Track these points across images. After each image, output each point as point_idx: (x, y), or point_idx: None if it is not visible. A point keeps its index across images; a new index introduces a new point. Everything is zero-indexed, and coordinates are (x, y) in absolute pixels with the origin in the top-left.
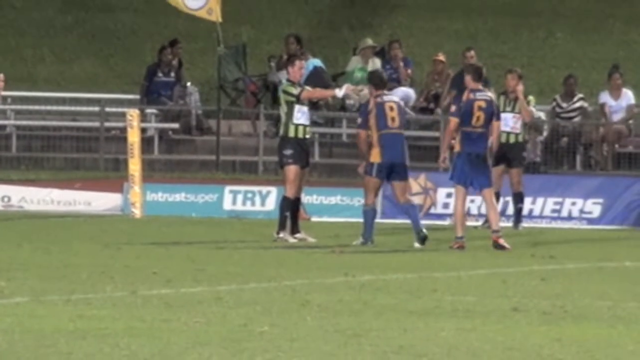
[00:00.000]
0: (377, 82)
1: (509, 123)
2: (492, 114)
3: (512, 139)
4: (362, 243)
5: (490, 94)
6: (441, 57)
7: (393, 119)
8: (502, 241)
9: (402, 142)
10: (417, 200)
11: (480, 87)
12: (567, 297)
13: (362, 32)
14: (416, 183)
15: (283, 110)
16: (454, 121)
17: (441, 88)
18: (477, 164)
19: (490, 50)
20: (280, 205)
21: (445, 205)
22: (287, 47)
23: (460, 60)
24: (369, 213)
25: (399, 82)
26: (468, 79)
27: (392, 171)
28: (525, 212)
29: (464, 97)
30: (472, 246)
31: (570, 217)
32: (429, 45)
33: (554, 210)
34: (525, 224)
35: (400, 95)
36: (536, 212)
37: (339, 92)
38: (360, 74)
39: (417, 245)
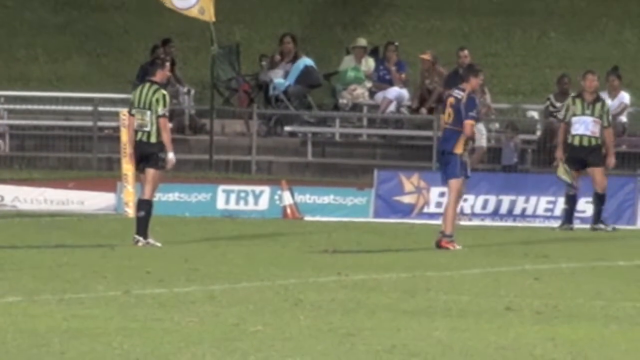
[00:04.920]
0: None
1: (589, 127)
2: (460, 111)
3: (593, 142)
4: None
5: (461, 92)
6: (426, 56)
7: None
8: (445, 243)
9: None
10: (409, 199)
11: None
12: (560, 296)
13: (355, 32)
14: (409, 182)
15: (157, 114)
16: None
17: (432, 85)
18: (443, 159)
19: (484, 50)
20: (147, 210)
21: (438, 205)
22: (283, 47)
23: (455, 60)
24: None
25: (391, 84)
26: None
27: None
28: (518, 211)
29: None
30: (465, 245)
31: None
32: (422, 45)
33: (547, 210)
34: (518, 223)
35: (394, 95)
36: (529, 212)
37: (171, 155)
38: (353, 73)
39: None
